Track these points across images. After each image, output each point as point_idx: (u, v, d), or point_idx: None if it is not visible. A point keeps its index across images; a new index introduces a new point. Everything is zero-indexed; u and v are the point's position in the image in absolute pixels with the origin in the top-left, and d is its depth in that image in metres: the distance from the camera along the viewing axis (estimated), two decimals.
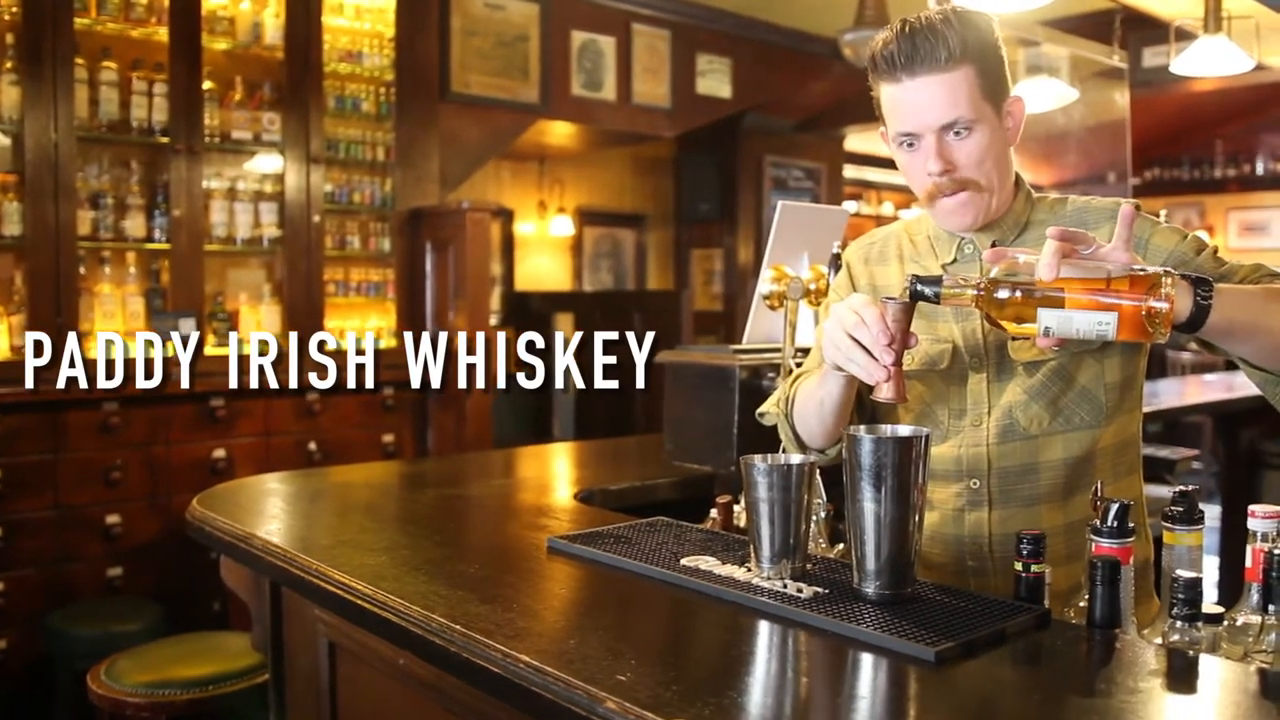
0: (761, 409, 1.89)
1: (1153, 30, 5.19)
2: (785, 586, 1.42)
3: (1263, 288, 1.46)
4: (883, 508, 1.36)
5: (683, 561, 1.57)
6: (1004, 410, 1.62)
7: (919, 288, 1.39)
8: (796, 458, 1.50)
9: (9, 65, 3.98)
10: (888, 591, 1.37)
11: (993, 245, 1.61)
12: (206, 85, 4.41)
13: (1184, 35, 4.41)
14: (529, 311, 7.63)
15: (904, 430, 1.42)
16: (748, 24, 7.21)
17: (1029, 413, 1.61)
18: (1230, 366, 1.73)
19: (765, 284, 2.45)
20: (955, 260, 1.68)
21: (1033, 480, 1.62)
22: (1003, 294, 1.33)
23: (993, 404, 1.63)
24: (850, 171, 9.28)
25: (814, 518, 1.76)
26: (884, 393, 1.41)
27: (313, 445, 4.54)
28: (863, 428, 1.43)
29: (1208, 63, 4.35)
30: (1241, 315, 1.39)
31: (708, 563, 1.55)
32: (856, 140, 8.84)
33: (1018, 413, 1.61)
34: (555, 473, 2.91)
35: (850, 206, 9.95)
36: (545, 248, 8.11)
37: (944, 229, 1.68)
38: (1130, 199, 1.64)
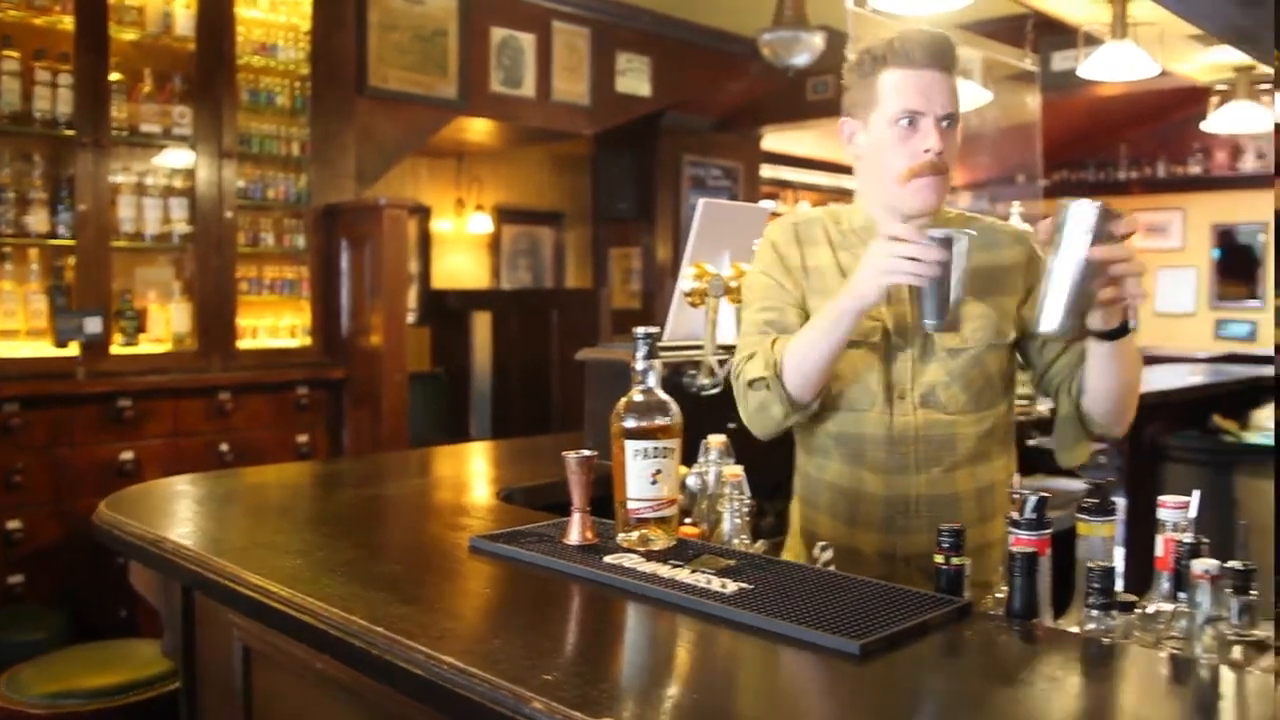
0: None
1: (1062, 35, 5.31)
2: (710, 583, 1.42)
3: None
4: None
5: (606, 559, 1.56)
6: (928, 388, 1.82)
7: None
8: None
9: None
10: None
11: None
12: (114, 76, 4.29)
13: (1092, 40, 4.53)
14: (446, 310, 7.56)
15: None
16: (667, 22, 7.23)
17: (949, 392, 1.82)
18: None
19: (687, 281, 2.45)
20: None
21: (951, 450, 1.83)
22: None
23: (917, 381, 1.82)
24: (767, 171, 9.35)
25: (740, 514, 1.77)
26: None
27: (224, 446, 4.44)
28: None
29: (1114, 68, 4.47)
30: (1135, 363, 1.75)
31: (631, 560, 1.55)
32: (774, 139, 8.90)
33: (940, 391, 1.82)
34: (474, 471, 2.88)
35: (768, 205, 10.03)
36: (463, 245, 8.05)
37: (905, 210, 1.79)
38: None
